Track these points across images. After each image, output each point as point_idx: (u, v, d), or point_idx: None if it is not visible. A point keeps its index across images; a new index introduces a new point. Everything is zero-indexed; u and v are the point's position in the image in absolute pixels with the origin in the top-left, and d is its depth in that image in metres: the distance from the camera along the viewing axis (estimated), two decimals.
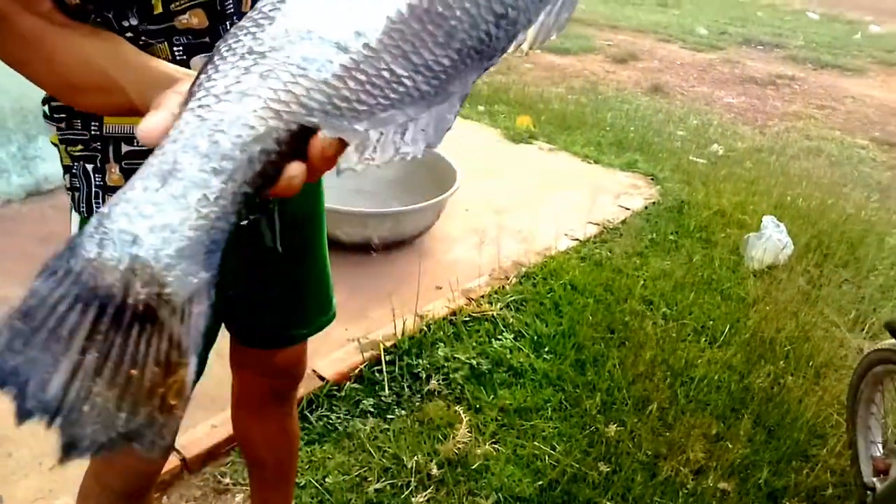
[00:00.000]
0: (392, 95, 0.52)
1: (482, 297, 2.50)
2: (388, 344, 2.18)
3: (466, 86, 0.55)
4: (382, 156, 0.51)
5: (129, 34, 0.76)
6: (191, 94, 0.50)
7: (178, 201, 0.47)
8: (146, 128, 0.49)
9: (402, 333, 2.22)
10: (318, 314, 1.22)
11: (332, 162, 0.51)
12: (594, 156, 3.82)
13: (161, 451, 0.45)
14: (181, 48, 0.80)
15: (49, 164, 2.98)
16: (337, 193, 2.47)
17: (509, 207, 3.18)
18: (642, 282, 2.65)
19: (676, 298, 2.59)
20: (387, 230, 2.61)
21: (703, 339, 2.40)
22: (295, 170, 0.50)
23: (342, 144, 0.50)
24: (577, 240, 2.94)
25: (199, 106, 0.49)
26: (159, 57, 0.77)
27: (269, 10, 0.52)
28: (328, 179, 0.75)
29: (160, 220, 0.47)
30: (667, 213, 3.25)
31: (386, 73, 0.52)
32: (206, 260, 0.48)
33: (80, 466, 1.74)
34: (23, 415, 0.45)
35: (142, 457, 1.11)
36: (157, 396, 0.47)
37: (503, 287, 2.57)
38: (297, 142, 0.50)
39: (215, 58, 0.51)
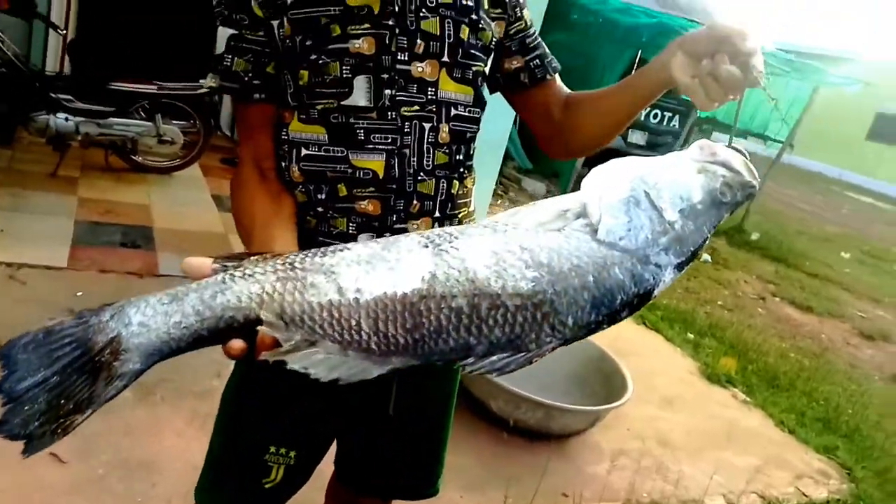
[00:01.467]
0: (346, 337, 0.70)
1: None
2: None
3: (406, 364, 0.71)
4: (296, 364, 0.69)
5: (319, 208, 1.02)
6: (240, 263, 0.74)
7: (165, 317, 0.69)
8: (189, 262, 0.74)
9: None
10: (419, 486, 1.30)
11: (265, 347, 0.70)
12: (791, 425, 3.52)
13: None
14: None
15: None
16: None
17: (672, 444, 3.05)
18: None
19: None
20: (535, 420, 2.67)
21: None
22: (236, 343, 0.70)
23: (277, 342, 0.69)
24: None
25: (231, 274, 0.72)
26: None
27: (327, 251, 0.74)
28: None
29: (148, 321, 0.69)
30: None
31: (353, 322, 0.70)
32: (147, 359, 0.69)
33: None
34: None
35: None
36: (57, 423, 0.67)
37: None
38: (256, 325, 0.70)
39: (275, 257, 0.75)
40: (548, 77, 1.14)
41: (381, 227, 1.03)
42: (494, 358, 0.72)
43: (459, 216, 1.11)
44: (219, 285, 0.71)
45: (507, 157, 6.48)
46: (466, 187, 1.11)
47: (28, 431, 0.67)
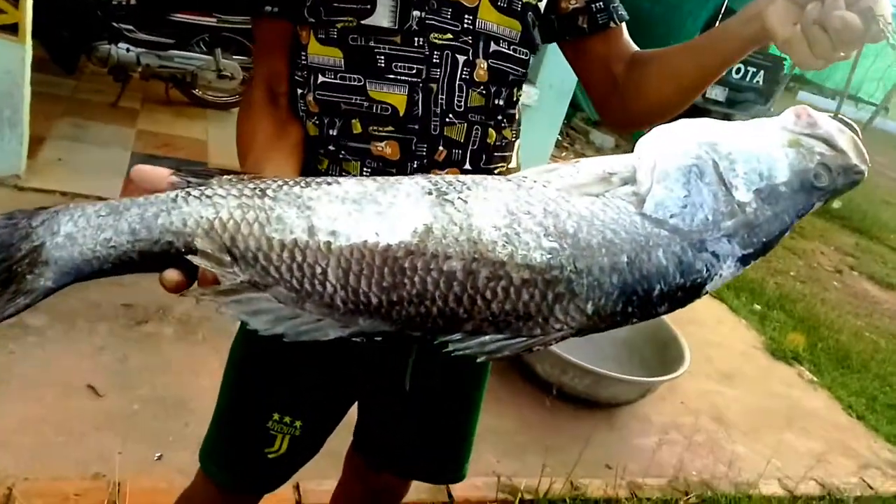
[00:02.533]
0: (307, 287, 0.57)
1: (649, 499, 2.29)
2: (528, 497, 2.11)
3: (375, 328, 0.58)
4: (231, 309, 0.57)
5: (330, 146, 0.91)
6: (205, 181, 0.62)
7: (96, 231, 0.59)
8: (141, 170, 0.64)
9: (546, 494, 2.13)
10: (442, 470, 1.20)
11: (206, 284, 0.58)
12: (860, 410, 3.28)
13: None
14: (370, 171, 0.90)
15: None
16: None
17: (730, 422, 2.88)
18: None
19: None
20: (582, 387, 2.55)
21: None
22: (170, 274, 0.59)
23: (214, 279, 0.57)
24: (789, 491, 2.55)
25: (187, 192, 0.60)
26: (350, 172, 0.89)
27: (312, 182, 0.62)
28: None
29: (76, 234, 0.59)
30: None
31: (318, 269, 0.57)
32: (62, 277, 0.59)
33: None
34: None
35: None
36: None
37: (676, 501, 2.32)
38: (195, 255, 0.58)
39: (250, 180, 0.62)
40: (611, 25, 0.96)
41: (399, 174, 0.89)
42: (486, 338, 0.60)
43: (495, 172, 0.96)
44: (167, 203, 0.59)
45: (576, 106, 6.17)
46: (506, 139, 0.96)
47: None
